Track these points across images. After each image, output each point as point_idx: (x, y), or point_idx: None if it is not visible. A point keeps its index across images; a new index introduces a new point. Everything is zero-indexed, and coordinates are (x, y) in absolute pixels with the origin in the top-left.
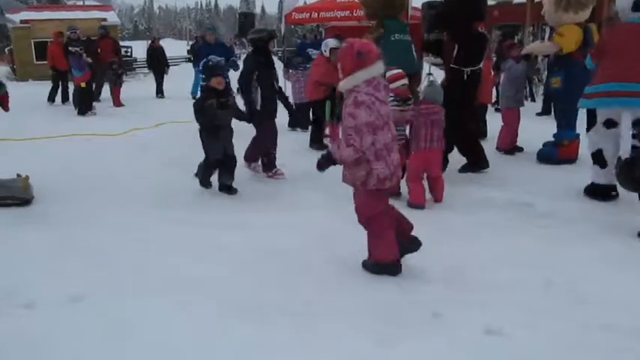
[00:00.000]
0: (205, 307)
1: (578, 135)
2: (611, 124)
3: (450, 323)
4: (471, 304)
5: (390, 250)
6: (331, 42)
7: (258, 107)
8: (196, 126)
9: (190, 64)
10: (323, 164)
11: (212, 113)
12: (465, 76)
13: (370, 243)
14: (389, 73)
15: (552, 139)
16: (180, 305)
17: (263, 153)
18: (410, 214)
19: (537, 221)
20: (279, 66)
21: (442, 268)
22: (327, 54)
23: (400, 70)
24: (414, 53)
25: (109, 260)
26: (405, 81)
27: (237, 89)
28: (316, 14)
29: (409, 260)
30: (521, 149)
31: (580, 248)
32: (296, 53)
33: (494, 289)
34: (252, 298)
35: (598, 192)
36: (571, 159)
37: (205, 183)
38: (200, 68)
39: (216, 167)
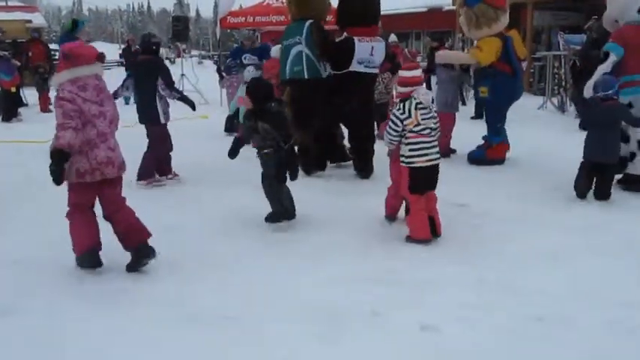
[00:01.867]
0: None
1: (505, 138)
2: None
3: (388, 321)
4: (408, 302)
5: (81, 242)
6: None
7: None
8: (131, 130)
9: (123, 69)
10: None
11: None
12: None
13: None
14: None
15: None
16: None
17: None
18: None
19: (471, 220)
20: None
21: (380, 268)
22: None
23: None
24: (309, 59)
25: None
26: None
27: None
28: (252, 18)
29: (349, 262)
30: (454, 151)
31: (512, 245)
32: (230, 57)
33: (430, 286)
34: (190, 304)
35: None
36: (500, 159)
37: None
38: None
39: None
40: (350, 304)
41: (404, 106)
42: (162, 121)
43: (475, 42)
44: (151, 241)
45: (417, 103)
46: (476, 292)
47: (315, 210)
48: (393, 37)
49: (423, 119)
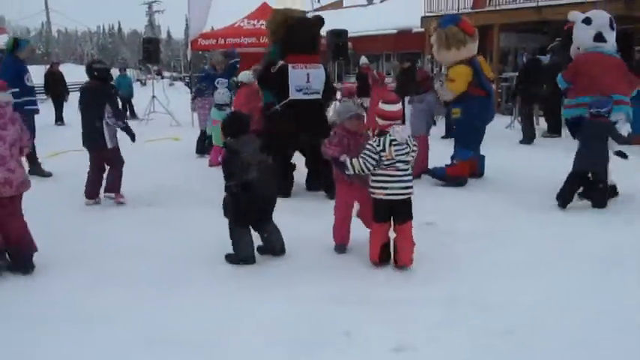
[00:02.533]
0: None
1: (473, 156)
2: None
3: (360, 341)
4: (381, 322)
5: None
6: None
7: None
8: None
9: None
10: None
11: None
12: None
13: None
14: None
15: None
16: None
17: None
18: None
19: (440, 238)
20: (186, 91)
21: (352, 289)
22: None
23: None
24: None
25: None
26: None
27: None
28: (223, 40)
29: (320, 283)
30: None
31: (481, 261)
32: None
33: (402, 306)
34: (152, 327)
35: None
36: (460, 177)
37: None
38: None
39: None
40: (322, 325)
41: (379, 141)
42: (110, 145)
43: (444, 69)
44: (110, 263)
45: (391, 140)
46: (448, 310)
47: (284, 232)
48: (363, 59)
49: (396, 155)
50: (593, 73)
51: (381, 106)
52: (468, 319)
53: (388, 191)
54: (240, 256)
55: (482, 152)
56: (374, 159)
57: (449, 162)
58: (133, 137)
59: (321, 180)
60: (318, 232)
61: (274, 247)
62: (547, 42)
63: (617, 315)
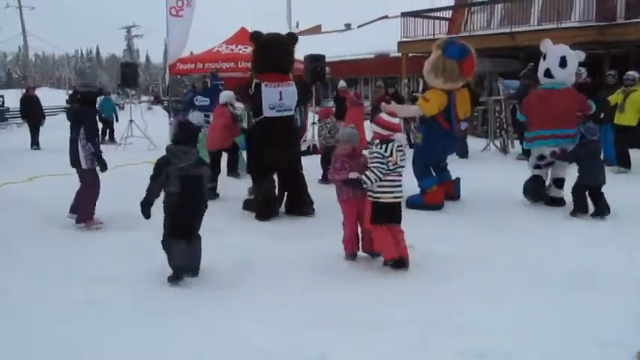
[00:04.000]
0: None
1: (440, 180)
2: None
3: None
4: (356, 345)
5: None
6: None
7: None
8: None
9: None
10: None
11: None
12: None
13: None
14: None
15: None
16: None
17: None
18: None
19: (416, 261)
20: (164, 115)
21: (326, 310)
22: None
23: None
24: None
25: None
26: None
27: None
28: (201, 65)
29: (295, 306)
30: None
31: (456, 284)
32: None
33: (377, 328)
34: (133, 354)
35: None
36: (438, 205)
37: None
38: None
39: None
40: (297, 349)
41: (387, 147)
42: (84, 166)
43: (422, 84)
44: (89, 292)
45: (398, 146)
46: (422, 333)
47: (260, 254)
48: (342, 83)
49: (400, 160)
50: (542, 109)
51: (385, 117)
52: (441, 340)
53: (395, 194)
54: (170, 265)
55: (458, 175)
56: (385, 164)
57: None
58: (102, 166)
59: (297, 202)
60: (292, 254)
61: (191, 264)
62: (521, 67)
63: (593, 336)
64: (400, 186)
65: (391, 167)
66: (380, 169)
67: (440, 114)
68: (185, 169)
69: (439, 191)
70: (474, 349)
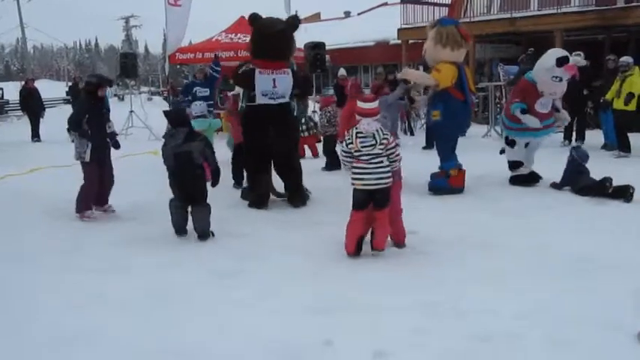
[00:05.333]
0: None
1: (458, 164)
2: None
3: (341, 350)
4: (360, 329)
5: None
6: None
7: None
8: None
9: (69, 106)
10: None
11: None
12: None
13: None
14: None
15: (438, 170)
16: None
17: (93, 198)
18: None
19: (420, 247)
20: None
21: (330, 296)
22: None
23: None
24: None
25: None
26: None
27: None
28: (200, 55)
29: (299, 291)
30: None
31: (461, 268)
32: (182, 92)
33: (382, 313)
34: (136, 341)
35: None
36: (460, 188)
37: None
38: None
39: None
40: (302, 334)
41: (350, 133)
42: (75, 158)
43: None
44: (95, 277)
45: (357, 132)
46: (426, 317)
47: (261, 242)
48: (342, 72)
49: (362, 146)
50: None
51: (358, 103)
52: (446, 326)
53: (364, 182)
54: (171, 222)
55: (461, 161)
56: (345, 151)
57: (426, 173)
58: (75, 155)
59: (289, 193)
60: (294, 241)
61: (195, 227)
62: (521, 53)
63: (595, 319)
64: (372, 174)
65: (355, 154)
66: (342, 154)
67: (453, 86)
68: (175, 147)
69: (461, 174)
70: (479, 331)
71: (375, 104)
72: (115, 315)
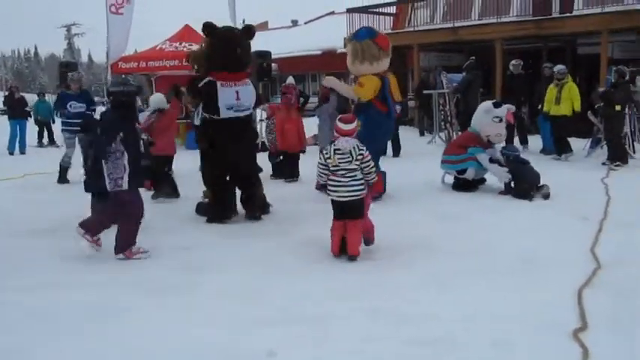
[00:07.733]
0: None
1: (382, 171)
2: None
3: None
4: (304, 340)
5: None
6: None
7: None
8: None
9: (5, 117)
10: None
11: None
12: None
13: None
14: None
15: None
16: None
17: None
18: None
19: (365, 254)
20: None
21: (274, 307)
22: None
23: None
24: None
25: None
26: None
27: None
28: (144, 63)
29: (244, 303)
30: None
31: (404, 273)
32: (55, 105)
33: (326, 322)
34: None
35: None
36: (379, 193)
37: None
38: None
39: None
40: (245, 345)
41: (329, 149)
42: (109, 189)
43: (357, 79)
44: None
45: (335, 149)
46: (370, 324)
47: (210, 254)
48: (290, 79)
49: (340, 162)
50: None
51: (338, 123)
52: (388, 330)
53: (338, 194)
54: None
55: (406, 167)
56: (322, 164)
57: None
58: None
59: (245, 206)
60: (245, 254)
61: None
62: (464, 61)
63: (535, 318)
64: (345, 186)
65: (332, 169)
66: (319, 167)
67: (376, 98)
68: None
69: (380, 179)
70: (424, 336)
71: (353, 125)
72: (48, 332)
